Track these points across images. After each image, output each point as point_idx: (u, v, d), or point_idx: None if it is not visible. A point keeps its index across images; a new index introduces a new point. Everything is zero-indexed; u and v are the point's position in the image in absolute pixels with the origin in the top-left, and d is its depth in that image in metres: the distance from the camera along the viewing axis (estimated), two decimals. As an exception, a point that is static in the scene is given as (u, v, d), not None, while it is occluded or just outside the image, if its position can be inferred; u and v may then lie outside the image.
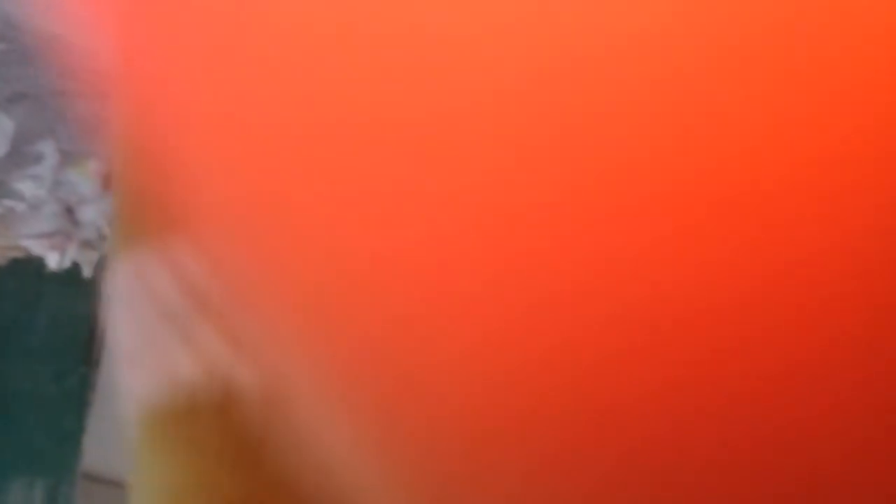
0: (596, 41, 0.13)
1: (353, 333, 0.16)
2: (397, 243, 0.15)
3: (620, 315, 0.14)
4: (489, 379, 0.16)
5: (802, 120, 0.13)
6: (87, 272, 0.81)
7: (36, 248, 0.80)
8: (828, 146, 0.13)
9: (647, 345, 0.15)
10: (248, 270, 0.18)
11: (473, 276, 0.15)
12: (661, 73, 0.13)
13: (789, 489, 0.16)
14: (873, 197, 0.13)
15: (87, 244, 0.80)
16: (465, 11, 0.13)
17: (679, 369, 0.15)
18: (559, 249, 0.14)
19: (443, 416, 0.16)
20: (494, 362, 0.15)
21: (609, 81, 0.13)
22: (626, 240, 0.14)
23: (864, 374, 0.15)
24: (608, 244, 0.14)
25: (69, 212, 0.78)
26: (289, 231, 0.16)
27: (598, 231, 0.14)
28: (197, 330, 0.22)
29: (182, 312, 0.22)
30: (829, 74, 0.13)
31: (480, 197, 0.14)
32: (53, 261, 0.80)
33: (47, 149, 0.74)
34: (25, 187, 0.77)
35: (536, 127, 0.14)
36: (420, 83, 0.14)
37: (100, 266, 0.82)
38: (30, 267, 0.82)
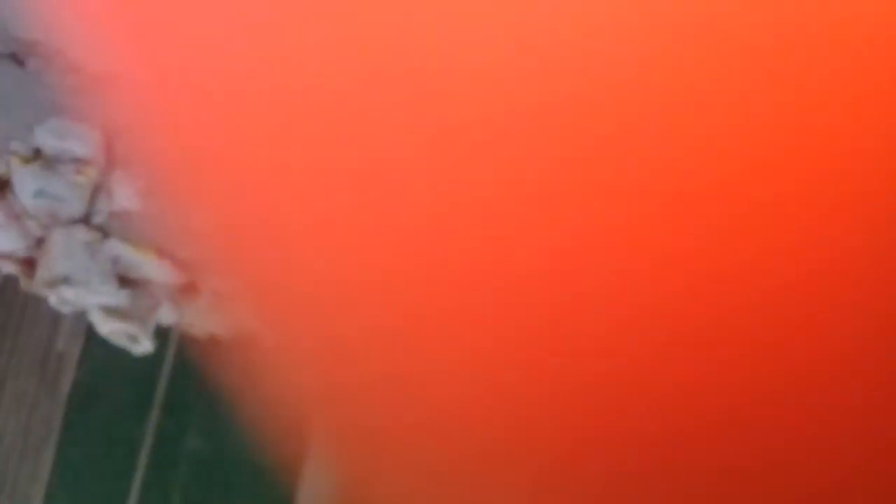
0: (604, 47, 0.13)
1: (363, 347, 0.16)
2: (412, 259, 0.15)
3: (629, 323, 0.14)
4: (496, 389, 0.16)
5: (814, 127, 0.13)
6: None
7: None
8: (836, 151, 0.13)
9: (655, 352, 0.15)
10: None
11: (483, 286, 0.15)
12: (670, 78, 0.13)
13: (797, 493, 0.15)
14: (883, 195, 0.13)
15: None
16: (472, 16, 0.14)
17: (685, 376, 0.15)
18: (567, 258, 0.14)
19: (451, 428, 0.16)
20: (506, 374, 0.15)
21: (621, 88, 0.13)
22: (633, 250, 0.14)
23: (870, 375, 0.14)
24: (616, 254, 0.14)
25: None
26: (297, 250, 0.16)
27: (605, 240, 0.14)
28: None
29: None
30: (835, 78, 0.12)
31: (494, 206, 0.14)
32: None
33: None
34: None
35: (541, 134, 0.14)
36: (431, 92, 0.14)
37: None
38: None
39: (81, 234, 0.87)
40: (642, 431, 0.14)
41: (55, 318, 0.95)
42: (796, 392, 0.13)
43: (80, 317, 0.93)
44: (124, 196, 0.82)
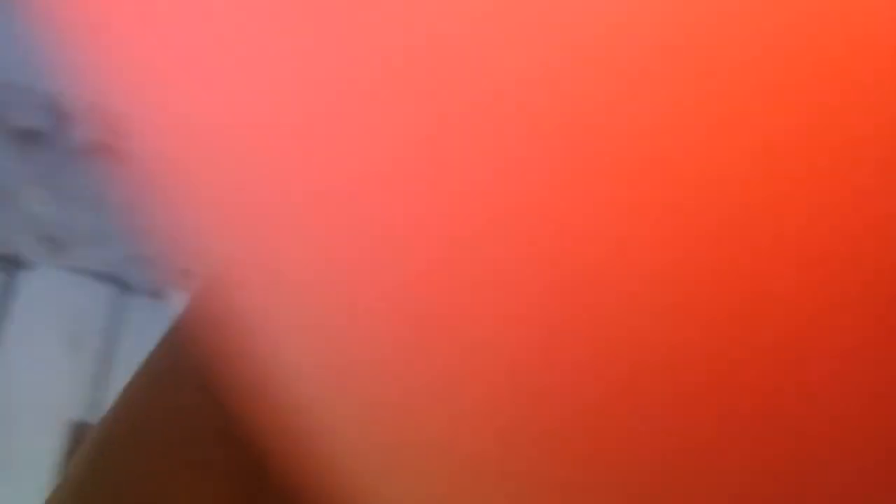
0: (600, 41, 0.13)
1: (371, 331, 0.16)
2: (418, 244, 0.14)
3: (640, 315, 0.14)
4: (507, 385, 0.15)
5: (811, 123, 0.13)
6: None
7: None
8: (835, 148, 0.13)
9: (668, 350, 0.14)
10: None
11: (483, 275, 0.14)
12: (665, 72, 0.13)
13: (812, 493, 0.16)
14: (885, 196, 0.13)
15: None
16: (472, 11, 0.13)
17: (699, 376, 0.15)
18: (573, 250, 0.14)
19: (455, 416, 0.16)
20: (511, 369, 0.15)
21: (619, 78, 0.13)
22: (652, 232, 0.14)
23: (873, 377, 0.14)
24: (628, 242, 0.14)
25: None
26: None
27: (619, 227, 0.14)
28: None
29: None
30: (833, 75, 0.12)
31: (498, 192, 0.14)
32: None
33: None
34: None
35: (542, 125, 0.13)
36: (428, 83, 0.13)
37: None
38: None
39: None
40: (651, 438, 0.15)
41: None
42: (811, 391, 0.14)
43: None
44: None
